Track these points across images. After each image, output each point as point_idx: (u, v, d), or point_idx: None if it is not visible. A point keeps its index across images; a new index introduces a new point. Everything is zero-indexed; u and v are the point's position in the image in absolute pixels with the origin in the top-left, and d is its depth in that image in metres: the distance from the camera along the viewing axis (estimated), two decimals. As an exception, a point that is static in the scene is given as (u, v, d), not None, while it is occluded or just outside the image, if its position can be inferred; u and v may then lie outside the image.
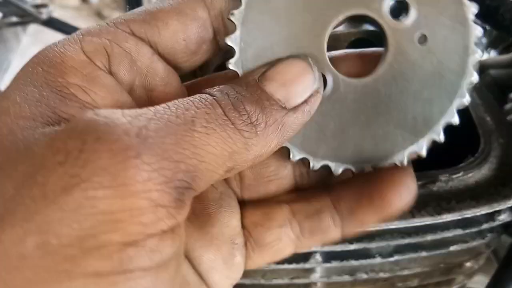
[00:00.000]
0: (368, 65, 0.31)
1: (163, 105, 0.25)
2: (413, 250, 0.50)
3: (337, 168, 0.31)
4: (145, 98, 0.29)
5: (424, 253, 0.50)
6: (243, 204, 0.33)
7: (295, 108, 0.27)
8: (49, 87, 0.25)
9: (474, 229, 0.50)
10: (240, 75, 0.30)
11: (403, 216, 0.46)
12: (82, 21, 3.65)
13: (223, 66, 0.31)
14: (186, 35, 0.29)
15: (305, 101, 0.28)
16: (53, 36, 2.80)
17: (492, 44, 1.08)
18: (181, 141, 0.23)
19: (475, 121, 0.56)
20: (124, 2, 1.47)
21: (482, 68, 0.88)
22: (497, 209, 0.47)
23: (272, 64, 0.29)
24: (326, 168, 0.31)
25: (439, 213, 0.46)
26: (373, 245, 0.48)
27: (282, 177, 0.33)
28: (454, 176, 0.49)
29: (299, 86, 0.28)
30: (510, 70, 0.84)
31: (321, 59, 0.30)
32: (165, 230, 0.22)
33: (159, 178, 0.22)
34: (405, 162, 0.31)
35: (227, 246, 0.31)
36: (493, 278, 0.56)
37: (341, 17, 0.30)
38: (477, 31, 0.30)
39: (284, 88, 0.27)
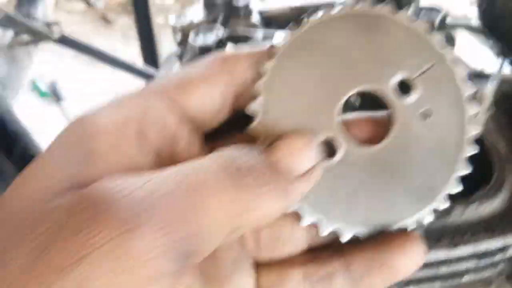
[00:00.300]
0: (378, 129, 0.33)
1: (175, 168, 0.26)
2: (427, 282, 0.51)
3: (347, 233, 0.32)
4: (169, 161, 0.30)
5: (437, 284, 0.51)
6: (257, 266, 0.33)
7: (298, 176, 0.29)
8: (78, 151, 0.26)
9: (488, 261, 0.50)
10: (259, 140, 0.32)
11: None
12: (87, 26, 3.68)
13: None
14: (212, 99, 0.31)
15: (305, 174, 0.29)
16: (67, 53, 2.82)
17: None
18: (185, 207, 0.24)
19: (488, 149, 0.56)
20: (130, 6, 1.48)
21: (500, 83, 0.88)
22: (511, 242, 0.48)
23: (279, 136, 0.30)
24: (335, 233, 0.32)
25: (455, 246, 0.47)
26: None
27: (297, 238, 0.33)
28: (468, 208, 0.49)
29: (302, 157, 0.29)
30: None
31: (334, 127, 0.32)
32: None
33: (158, 248, 0.22)
34: (412, 228, 0.32)
35: None
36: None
37: (351, 92, 0.33)
38: (475, 110, 0.32)
39: (288, 158, 0.29)
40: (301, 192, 0.29)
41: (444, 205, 0.32)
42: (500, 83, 0.83)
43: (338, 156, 0.32)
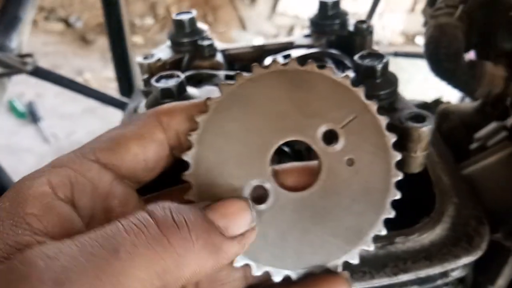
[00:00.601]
0: (308, 176, 0.36)
1: (91, 235, 0.27)
2: (375, 306, 0.54)
3: (278, 275, 0.34)
4: (105, 218, 0.32)
5: (385, 309, 0.54)
6: None
7: (233, 238, 0.30)
8: (8, 218, 0.28)
9: (429, 285, 0.54)
10: (193, 187, 0.34)
11: (363, 277, 0.50)
12: (66, 46, 3.69)
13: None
14: (146, 156, 0.33)
15: (242, 234, 0.31)
16: (41, 84, 2.81)
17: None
18: (101, 274, 0.25)
19: (432, 181, 0.60)
20: (105, 26, 1.50)
21: (447, 114, 0.94)
22: (448, 268, 0.52)
23: (216, 200, 0.32)
24: (267, 273, 0.34)
25: (396, 274, 0.51)
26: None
27: (234, 280, 0.36)
28: (410, 237, 0.53)
29: (238, 220, 0.31)
30: (476, 116, 0.90)
31: (265, 174, 0.35)
32: None
33: None
34: (340, 269, 0.35)
35: None
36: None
37: (281, 141, 0.35)
38: (397, 157, 0.35)
39: (225, 219, 0.30)
40: (235, 253, 0.31)
41: (370, 247, 0.35)
42: (448, 116, 0.89)
43: (269, 202, 0.35)
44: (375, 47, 0.72)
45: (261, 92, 0.36)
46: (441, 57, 0.66)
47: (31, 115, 2.89)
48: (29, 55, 1.01)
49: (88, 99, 2.96)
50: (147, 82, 0.69)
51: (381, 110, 0.38)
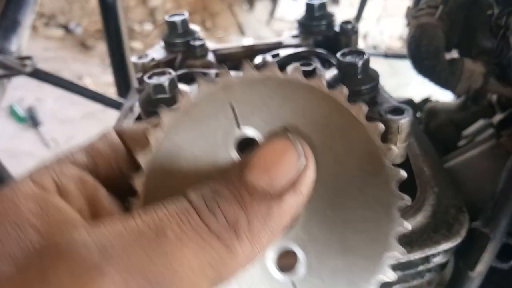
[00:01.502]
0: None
1: (137, 216, 0.25)
2: (358, 291, 0.56)
3: None
4: (93, 217, 0.30)
5: (368, 294, 0.57)
6: None
7: (282, 192, 0.27)
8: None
9: (412, 271, 0.56)
10: (139, 194, 0.32)
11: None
12: (66, 52, 3.73)
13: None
14: (119, 163, 0.34)
15: (294, 182, 0.27)
16: (41, 89, 2.84)
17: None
18: (152, 255, 0.23)
19: (414, 171, 0.63)
20: (104, 33, 1.54)
21: (434, 112, 0.97)
22: (428, 254, 0.54)
23: (254, 150, 0.28)
24: None
25: (377, 259, 0.53)
26: None
27: None
28: (391, 225, 0.55)
29: (282, 167, 0.27)
30: (462, 113, 0.93)
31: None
32: None
33: None
34: None
35: None
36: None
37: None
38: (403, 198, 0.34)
39: (266, 174, 0.26)
40: (292, 207, 0.27)
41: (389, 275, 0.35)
42: (436, 113, 0.91)
43: None
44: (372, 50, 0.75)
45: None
46: (422, 55, 0.69)
47: (31, 120, 2.92)
48: (28, 58, 1.03)
49: (88, 103, 2.99)
50: (141, 80, 0.71)
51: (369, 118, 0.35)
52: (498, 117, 0.83)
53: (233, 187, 0.26)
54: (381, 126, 0.34)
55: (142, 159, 0.32)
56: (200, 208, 0.25)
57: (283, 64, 0.72)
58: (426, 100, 1.07)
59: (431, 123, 0.96)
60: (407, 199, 0.34)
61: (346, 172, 0.32)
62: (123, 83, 1.46)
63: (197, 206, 0.25)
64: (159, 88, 0.58)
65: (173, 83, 0.59)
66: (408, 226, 0.34)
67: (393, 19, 4.17)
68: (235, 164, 0.29)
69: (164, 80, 0.58)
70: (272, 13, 4.22)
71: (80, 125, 2.91)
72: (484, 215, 0.59)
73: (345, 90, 0.34)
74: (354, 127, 0.32)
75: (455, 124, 0.93)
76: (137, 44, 3.77)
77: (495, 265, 0.61)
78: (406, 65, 0.76)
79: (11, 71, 0.99)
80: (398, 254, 0.34)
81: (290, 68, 0.34)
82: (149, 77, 0.58)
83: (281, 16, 4.20)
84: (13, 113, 2.95)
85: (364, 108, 0.34)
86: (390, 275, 0.34)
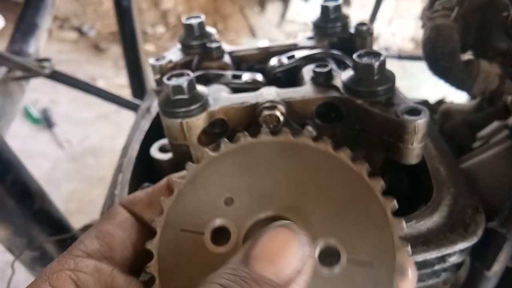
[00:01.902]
0: None
1: None
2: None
3: None
4: None
5: (384, 293, 0.57)
6: None
7: (288, 281, 0.27)
8: None
9: (428, 270, 0.57)
10: (155, 277, 0.33)
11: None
12: (80, 54, 3.78)
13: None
14: (132, 240, 0.36)
15: (299, 271, 0.27)
16: (56, 91, 2.87)
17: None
18: None
19: (430, 172, 0.63)
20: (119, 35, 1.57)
21: (449, 113, 0.97)
22: (445, 253, 0.54)
23: (255, 238, 0.28)
24: None
25: (394, 258, 0.53)
26: None
27: None
28: (407, 224, 0.56)
29: (287, 257, 0.27)
30: (477, 114, 0.93)
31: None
32: None
33: None
34: None
35: None
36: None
37: (267, 214, 0.34)
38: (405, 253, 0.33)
39: (272, 265, 0.27)
40: None
41: None
42: (450, 115, 0.91)
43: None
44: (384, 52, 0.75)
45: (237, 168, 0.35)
46: (437, 56, 0.69)
47: (45, 121, 2.97)
48: (46, 60, 1.06)
49: (101, 105, 3.03)
50: (159, 82, 0.73)
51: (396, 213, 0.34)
52: (513, 119, 0.83)
53: (242, 282, 0.26)
54: (382, 184, 0.34)
55: (158, 224, 0.35)
56: None
57: (298, 66, 0.73)
58: (440, 102, 1.07)
59: (445, 125, 0.96)
60: (407, 246, 0.33)
61: (345, 216, 0.33)
62: (137, 84, 1.48)
63: None
64: (178, 89, 0.59)
65: (191, 84, 0.60)
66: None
67: (405, 20, 4.15)
68: (240, 253, 0.29)
69: (182, 81, 0.59)
70: (283, 15, 4.23)
71: (94, 126, 2.94)
72: (501, 216, 0.59)
73: (348, 152, 0.36)
74: (356, 181, 0.33)
75: (470, 126, 0.93)
76: (149, 47, 3.80)
77: (511, 265, 0.61)
78: (418, 67, 0.76)
79: (30, 73, 1.01)
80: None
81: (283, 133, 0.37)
82: (168, 79, 0.60)
83: (292, 18, 4.21)
84: (27, 114, 3.00)
85: (367, 167, 0.35)
86: None
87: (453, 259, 0.57)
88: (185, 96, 0.59)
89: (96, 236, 0.35)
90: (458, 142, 0.91)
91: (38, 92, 3.12)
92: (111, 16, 3.82)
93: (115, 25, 1.54)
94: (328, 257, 0.32)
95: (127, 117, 1.50)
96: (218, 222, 0.35)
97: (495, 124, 0.85)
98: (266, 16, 4.27)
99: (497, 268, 0.57)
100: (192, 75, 0.60)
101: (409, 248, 0.32)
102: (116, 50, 3.70)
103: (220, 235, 0.35)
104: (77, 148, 2.78)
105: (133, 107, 1.24)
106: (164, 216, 0.35)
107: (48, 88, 3.27)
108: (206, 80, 0.70)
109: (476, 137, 0.89)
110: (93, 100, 3.17)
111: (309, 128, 0.63)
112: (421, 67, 0.75)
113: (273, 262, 0.27)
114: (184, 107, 0.59)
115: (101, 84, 3.26)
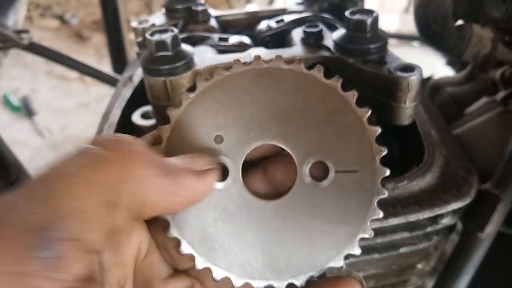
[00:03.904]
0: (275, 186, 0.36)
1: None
2: (366, 253, 0.55)
3: (237, 282, 0.34)
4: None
5: (376, 255, 0.55)
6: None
7: (188, 169, 0.32)
8: None
9: (419, 232, 0.55)
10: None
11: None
12: (61, 42, 3.68)
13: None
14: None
15: (202, 173, 0.32)
16: (40, 68, 2.80)
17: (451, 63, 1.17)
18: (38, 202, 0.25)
19: (421, 135, 0.62)
20: (103, 23, 1.53)
21: (438, 87, 0.96)
22: (438, 213, 0.53)
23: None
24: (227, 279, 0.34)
25: (386, 217, 0.51)
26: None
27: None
28: (399, 184, 0.54)
29: (197, 161, 0.33)
30: (465, 87, 0.92)
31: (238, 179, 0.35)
32: None
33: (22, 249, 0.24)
34: (343, 265, 0.34)
35: None
36: (441, 275, 0.61)
37: (257, 144, 0.35)
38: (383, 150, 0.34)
39: (186, 160, 0.32)
40: (192, 184, 0.32)
41: (357, 251, 0.34)
42: (438, 90, 0.90)
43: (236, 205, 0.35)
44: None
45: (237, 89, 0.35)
46: (429, 21, 0.67)
47: (25, 110, 2.88)
48: (25, 31, 1.01)
49: (82, 94, 2.96)
50: (141, 44, 0.70)
51: (372, 119, 0.36)
52: (501, 94, 0.82)
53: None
54: (356, 95, 0.35)
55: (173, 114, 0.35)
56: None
57: (288, 29, 0.70)
58: (428, 79, 1.05)
59: (433, 101, 0.95)
60: (383, 150, 0.35)
61: (328, 132, 0.35)
62: (119, 60, 1.44)
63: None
64: (161, 45, 0.56)
65: (175, 41, 0.57)
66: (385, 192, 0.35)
67: (390, 15, 4.17)
68: None
69: (166, 37, 0.56)
70: (269, 5, 4.21)
71: (74, 115, 2.87)
72: (494, 177, 0.58)
73: (321, 68, 0.36)
74: (332, 97, 0.35)
75: (458, 102, 0.92)
76: (133, 36, 3.73)
77: (504, 230, 0.60)
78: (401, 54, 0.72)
79: (8, 43, 0.96)
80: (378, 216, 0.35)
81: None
82: (151, 35, 0.57)
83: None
84: (7, 102, 2.91)
85: (340, 81, 0.36)
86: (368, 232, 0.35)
87: (445, 221, 0.56)
88: (169, 53, 0.56)
89: None
90: (446, 119, 0.91)
91: (18, 81, 3.03)
92: (94, 4, 3.73)
93: (98, 14, 1.49)
94: (319, 172, 0.35)
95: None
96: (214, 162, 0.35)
97: (483, 100, 0.84)
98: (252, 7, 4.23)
99: (490, 229, 0.56)
100: (176, 30, 0.57)
101: (385, 151, 0.35)
102: (98, 39, 3.62)
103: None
104: (57, 137, 2.71)
105: (113, 82, 1.19)
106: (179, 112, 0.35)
107: (28, 77, 3.19)
108: (192, 42, 0.67)
109: (464, 113, 0.88)
110: (73, 89, 3.10)
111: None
112: (407, 54, 0.73)
113: (186, 160, 0.32)
114: (168, 64, 0.56)
115: (83, 72, 3.18)
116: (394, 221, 0.51)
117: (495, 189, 0.56)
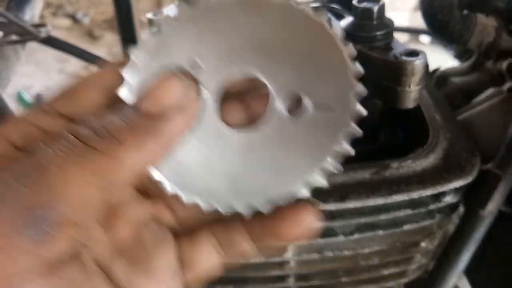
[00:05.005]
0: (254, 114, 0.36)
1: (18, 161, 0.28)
2: (371, 229, 0.58)
3: (206, 206, 0.35)
4: None
5: (380, 232, 0.58)
6: (178, 234, 0.37)
7: (167, 113, 0.30)
8: None
9: (422, 209, 0.58)
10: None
11: (359, 197, 0.54)
12: (73, 41, 3.73)
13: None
14: (104, 100, 0.33)
15: (180, 108, 0.31)
16: (53, 66, 2.84)
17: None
18: (33, 186, 0.26)
19: (426, 119, 0.64)
20: (116, 22, 1.56)
21: (444, 77, 0.97)
22: (440, 190, 0.55)
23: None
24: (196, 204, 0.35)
25: (390, 194, 0.54)
26: (335, 223, 0.56)
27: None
28: (403, 164, 0.57)
29: (165, 90, 0.31)
30: (471, 77, 0.94)
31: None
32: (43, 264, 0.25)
33: (11, 225, 0.25)
34: (307, 194, 0.35)
35: (165, 275, 0.35)
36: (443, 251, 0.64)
37: (235, 75, 0.35)
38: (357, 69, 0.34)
39: (151, 96, 0.30)
40: (177, 127, 0.31)
41: (333, 166, 0.34)
42: (445, 80, 0.92)
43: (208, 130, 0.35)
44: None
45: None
46: (435, 10, 0.69)
47: (39, 106, 2.95)
48: (43, 25, 1.05)
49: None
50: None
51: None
52: (508, 84, 0.84)
53: (119, 112, 0.30)
54: (342, 32, 0.35)
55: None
56: (84, 133, 0.28)
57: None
58: (435, 70, 1.07)
59: (441, 91, 0.97)
60: (363, 90, 0.34)
61: (308, 66, 0.34)
62: (130, 41, 1.47)
63: (80, 132, 0.28)
64: None
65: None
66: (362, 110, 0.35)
67: (399, 13, 4.17)
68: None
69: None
70: None
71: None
72: (496, 158, 0.60)
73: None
74: (318, 32, 0.33)
75: (464, 92, 0.94)
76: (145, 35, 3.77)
77: (505, 209, 0.62)
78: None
79: (27, 36, 1.00)
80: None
81: None
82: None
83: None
84: (20, 99, 2.97)
85: (327, 16, 0.36)
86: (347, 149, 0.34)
87: (448, 199, 0.58)
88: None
89: (66, 88, 0.34)
90: (454, 109, 0.92)
91: (31, 78, 3.09)
92: (104, 3, 3.79)
93: (109, 13, 1.52)
94: (295, 106, 0.35)
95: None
96: None
97: (490, 91, 0.86)
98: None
99: (491, 207, 0.58)
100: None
101: (364, 91, 0.34)
102: (110, 38, 3.67)
103: None
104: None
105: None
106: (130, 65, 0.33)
107: (41, 75, 3.25)
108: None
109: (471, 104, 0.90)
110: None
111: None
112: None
113: (151, 95, 0.30)
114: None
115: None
116: (397, 198, 0.54)
117: (497, 169, 0.58)
